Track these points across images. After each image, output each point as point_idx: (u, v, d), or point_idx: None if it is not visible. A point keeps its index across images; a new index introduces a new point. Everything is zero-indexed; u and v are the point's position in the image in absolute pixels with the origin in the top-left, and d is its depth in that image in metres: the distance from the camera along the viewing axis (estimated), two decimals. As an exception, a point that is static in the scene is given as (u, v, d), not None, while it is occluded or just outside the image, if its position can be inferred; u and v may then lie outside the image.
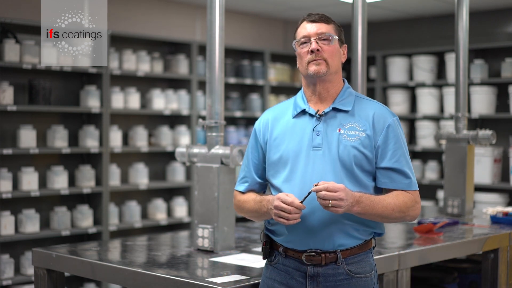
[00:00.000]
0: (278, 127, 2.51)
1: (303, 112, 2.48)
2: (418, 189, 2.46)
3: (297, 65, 2.52)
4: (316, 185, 2.27)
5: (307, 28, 2.46)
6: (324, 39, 2.44)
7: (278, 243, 2.47)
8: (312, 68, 2.43)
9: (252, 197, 2.52)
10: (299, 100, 2.52)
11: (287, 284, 2.43)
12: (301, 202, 2.29)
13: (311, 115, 2.46)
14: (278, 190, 2.44)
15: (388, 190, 2.44)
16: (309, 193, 2.28)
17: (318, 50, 2.42)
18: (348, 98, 2.48)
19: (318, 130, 2.43)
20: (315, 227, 2.36)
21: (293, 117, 2.49)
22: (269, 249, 2.50)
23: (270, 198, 2.38)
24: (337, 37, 2.46)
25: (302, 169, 2.40)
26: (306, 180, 2.37)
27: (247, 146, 2.62)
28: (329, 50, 2.43)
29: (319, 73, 2.42)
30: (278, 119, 2.53)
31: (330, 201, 2.23)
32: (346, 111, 2.45)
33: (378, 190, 2.47)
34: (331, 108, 2.45)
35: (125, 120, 6.16)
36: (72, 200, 5.72)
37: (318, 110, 2.46)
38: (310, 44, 2.43)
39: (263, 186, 2.58)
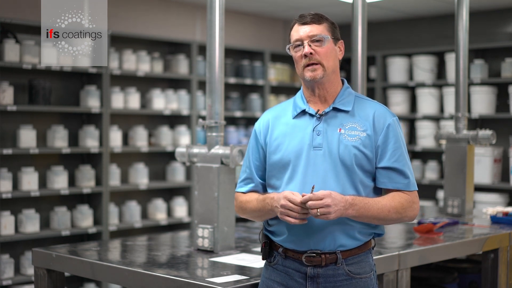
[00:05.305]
0: (278, 128, 2.50)
1: (303, 112, 2.48)
2: (417, 189, 2.45)
3: (296, 68, 2.51)
4: (313, 188, 2.27)
5: (299, 31, 2.44)
6: (316, 41, 2.42)
7: (278, 243, 2.46)
8: (308, 74, 2.43)
9: (254, 196, 2.50)
10: (299, 100, 2.51)
11: (287, 285, 2.42)
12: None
13: (311, 115, 2.46)
14: (279, 191, 2.42)
15: (387, 190, 2.43)
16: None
17: (311, 53, 2.41)
18: (347, 98, 2.48)
19: (319, 130, 2.42)
20: (316, 228, 2.36)
21: (293, 118, 2.49)
22: (269, 250, 2.49)
23: (275, 196, 2.35)
24: (330, 37, 2.43)
25: (303, 170, 2.39)
26: (307, 180, 2.37)
27: (247, 148, 2.60)
28: (323, 52, 2.42)
29: (316, 78, 2.42)
30: (278, 119, 2.52)
31: (318, 210, 2.23)
32: (346, 111, 2.44)
33: (378, 191, 2.46)
34: (331, 108, 2.45)
35: (125, 120, 6.16)
36: (72, 200, 5.72)
37: (318, 110, 2.45)
38: (303, 47, 2.43)
39: (265, 186, 2.56)
